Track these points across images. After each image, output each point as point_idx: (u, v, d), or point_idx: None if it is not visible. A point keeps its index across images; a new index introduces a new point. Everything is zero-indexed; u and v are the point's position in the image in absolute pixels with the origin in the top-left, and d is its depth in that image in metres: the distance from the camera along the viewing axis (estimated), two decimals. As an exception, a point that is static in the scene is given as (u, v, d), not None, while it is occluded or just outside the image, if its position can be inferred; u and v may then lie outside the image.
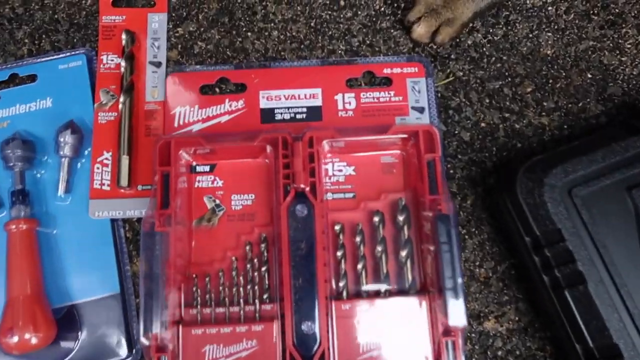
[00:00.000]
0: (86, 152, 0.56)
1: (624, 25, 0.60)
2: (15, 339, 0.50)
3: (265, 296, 0.51)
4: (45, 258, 0.54)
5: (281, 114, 0.56)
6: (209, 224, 0.53)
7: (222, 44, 0.60)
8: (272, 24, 0.61)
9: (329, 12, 0.61)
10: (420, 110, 0.57)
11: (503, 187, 0.52)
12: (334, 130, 0.52)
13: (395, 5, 0.61)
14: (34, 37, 0.61)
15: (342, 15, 0.60)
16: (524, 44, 0.60)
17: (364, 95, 0.56)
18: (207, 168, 0.55)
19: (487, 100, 0.58)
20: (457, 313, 0.47)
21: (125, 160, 0.54)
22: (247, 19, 0.61)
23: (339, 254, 0.52)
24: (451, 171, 0.57)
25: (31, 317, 0.50)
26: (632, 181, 0.47)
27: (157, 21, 0.59)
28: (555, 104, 0.58)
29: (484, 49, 0.60)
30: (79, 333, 0.53)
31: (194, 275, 0.52)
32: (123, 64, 0.57)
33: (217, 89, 0.57)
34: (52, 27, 0.61)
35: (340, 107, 0.56)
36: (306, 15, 0.61)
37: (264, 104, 0.56)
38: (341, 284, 0.51)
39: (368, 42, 0.60)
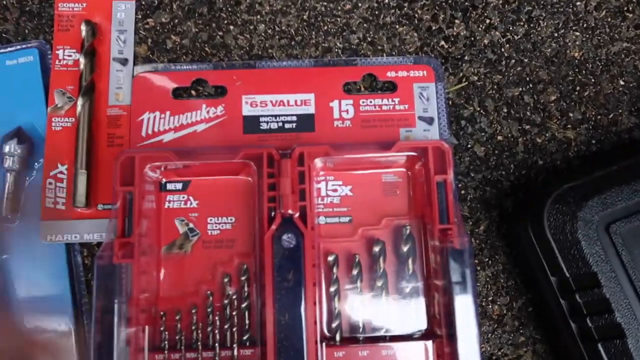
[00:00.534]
0: (37, 165, 0.51)
1: (662, 25, 0.55)
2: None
3: (245, 338, 0.47)
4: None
5: (267, 122, 0.51)
6: (180, 252, 0.48)
7: (199, 39, 0.54)
8: (259, 16, 0.54)
9: (325, 4, 0.55)
10: (429, 120, 0.51)
11: (525, 215, 0.46)
12: (328, 147, 0.46)
13: (401, -4, 0.55)
14: (-22, 26, 0.54)
15: (339, 8, 0.54)
16: (548, 44, 0.55)
17: (363, 102, 0.51)
18: (179, 186, 0.49)
19: (505, 110, 0.53)
20: (471, 366, 0.42)
21: (82, 176, 0.49)
22: (230, 9, 0.54)
23: (332, 290, 0.47)
24: (462, 191, 0.52)
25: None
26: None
27: (123, 10, 0.53)
28: (583, 115, 0.54)
29: (502, 50, 0.54)
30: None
31: (162, 313, 0.47)
32: (82, 60, 0.51)
33: (192, 92, 0.52)
34: None
35: (336, 115, 0.51)
36: (298, 7, 0.54)
37: (247, 110, 0.51)
38: (334, 326, 0.46)
39: (369, 39, 0.54)
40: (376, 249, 0.47)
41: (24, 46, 0.52)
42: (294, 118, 0.51)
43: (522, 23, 0.55)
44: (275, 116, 0.51)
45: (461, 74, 0.54)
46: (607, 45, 0.55)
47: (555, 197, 0.43)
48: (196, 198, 0.49)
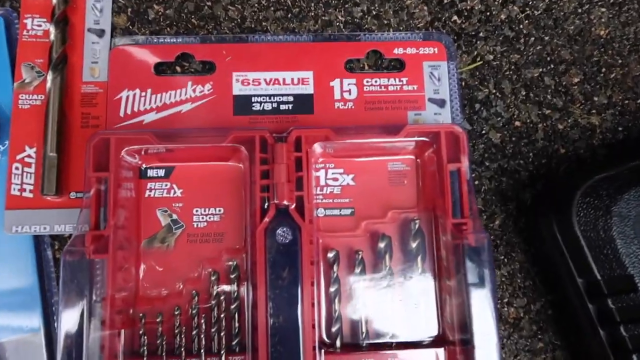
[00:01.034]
0: (1, 148, 0.47)
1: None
2: None
3: (234, 343, 0.43)
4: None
5: (260, 103, 0.47)
6: (162, 246, 0.45)
7: (185, 9, 0.50)
8: (252, -15, 0.50)
9: (326, -28, 0.50)
10: (440, 103, 0.48)
11: (549, 209, 0.42)
12: (329, 130, 0.43)
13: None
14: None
15: (341, -23, 0.51)
16: (571, 21, 0.51)
17: (367, 82, 0.48)
18: (161, 173, 0.46)
19: (524, 93, 0.50)
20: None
21: (53, 160, 0.45)
22: (220, -23, 0.50)
23: (332, 290, 0.44)
24: (476, 182, 0.49)
25: None
26: None
27: (100, -25, 0.50)
28: (609, 99, 0.50)
29: (521, 27, 0.51)
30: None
31: (141, 315, 0.43)
32: (53, 30, 0.47)
33: (177, 68, 0.49)
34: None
35: (337, 96, 0.47)
36: (296, -25, 0.50)
37: (238, 89, 0.47)
38: (334, 330, 0.43)
39: (374, 12, 0.50)
40: (381, 245, 0.44)
41: (-13, 14, 0.48)
42: (291, 98, 0.47)
43: (543, -3, 0.51)
44: (270, 96, 0.47)
45: (475, 53, 0.50)
46: (636, 23, 0.51)
47: (585, 190, 0.39)
48: (180, 186, 0.46)
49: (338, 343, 0.43)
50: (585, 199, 0.38)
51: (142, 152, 0.44)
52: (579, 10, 0.51)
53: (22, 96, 0.46)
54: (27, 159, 0.46)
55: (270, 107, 0.47)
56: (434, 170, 0.44)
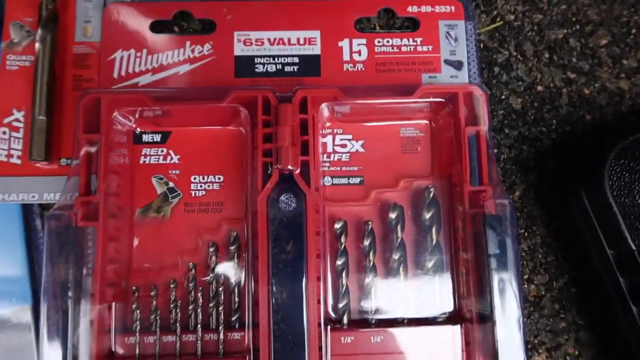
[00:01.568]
0: None
1: None
2: None
3: (233, 319, 0.41)
4: None
5: (264, 65, 0.45)
6: (158, 216, 0.43)
7: None
8: (255, -60, 0.48)
9: None
10: (457, 65, 0.45)
11: (576, 175, 0.40)
12: (337, 90, 0.41)
13: None
14: None
15: None
16: None
17: (379, 42, 0.46)
18: (157, 137, 0.44)
19: (547, 55, 0.48)
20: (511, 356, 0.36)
21: (42, 124, 0.43)
22: None
23: (338, 263, 0.41)
24: (495, 150, 0.46)
25: None
26: None
27: None
28: (639, 63, 0.48)
29: None
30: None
31: (134, 289, 0.41)
32: None
33: (175, 28, 0.46)
34: None
35: (346, 57, 0.45)
36: None
37: (240, 50, 0.45)
38: (341, 306, 0.41)
39: None
40: (392, 215, 0.42)
41: (-27, -31, 0.46)
42: (296, 60, 0.45)
43: (568, -48, 0.49)
44: (274, 57, 0.45)
45: (495, 12, 0.48)
46: (669, -19, 0.48)
47: (619, 151, 0.36)
48: (177, 152, 0.43)
49: (345, 319, 0.40)
50: (619, 162, 0.36)
51: (137, 115, 0.42)
52: (607, -33, 0.48)
53: (10, 57, 0.44)
54: (15, 123, 0.44)
55: (274, 69, 0.45)
56: (450, 136, 0.42)
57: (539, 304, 0.44)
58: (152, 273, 0.41)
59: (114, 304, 0.39)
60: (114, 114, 0.40)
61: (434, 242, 0.41)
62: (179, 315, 0.40)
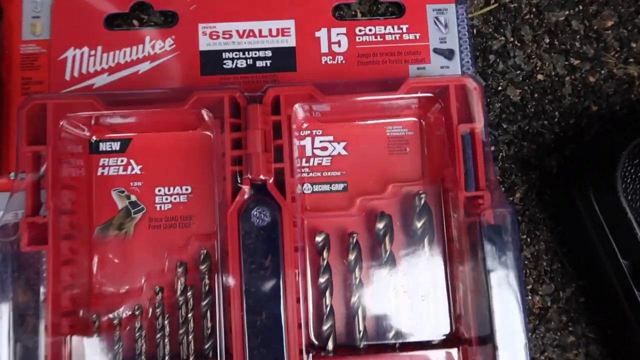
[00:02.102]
0: None
1: None
2: None
3: (206, 347, 0.39)
4: None
5: (233, 60, 0.43)
6: (120, 233, 0.41)
7: None
8: None
9: None
10: (448, 54, 0.44)
11: (584, 176, 0.38)
12: (312, 87, 0.38)
13: None
14: None
15: None
16: None
17: (360, 31, 0.44)
18: (115, 146, 0.42)
19: (547, 40, 0.46)
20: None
21: None
22: None
23: (321, 281, 0.40)
24: (492, 148, 0.45)
25: None
26: None
27: None
28: None
29: None
30: None
31: (94, 317, 0.39)
32: None
33: (133, 21, 0.44)
34: None
35: (324, 49, 0.44)
36: None
37: (205, 44, 0.43)
38: (325, 330, 0.39)
39: None
40: (380, 225, 0.40)
41: None
42: (269, 53, 0.43)
43: None
44: (244, 51, 0.43)
45: None
46: (681, -47, 0.46)
47: (633, 149, 0.34)
48: (139, 162, 0.42)
49: (330, 345, 0.38)
50: (634, 161, 0.33)
51: (92, 122, 0.39)
52: (612, -60, 0.46)
53: (-52, 59, 0.41)
54: (-44, 134, 0.41)
55: (244, 65, 0.43)
56: (441, 134, 0.39)
57: (544, 316, 0.43)
58: (115, 299, 0.39)
59: (69, 336, 0.36)
60: (62, 123, 0.37)
61: (427, 254, 0.39)
62: (145, 345, 0.38)
